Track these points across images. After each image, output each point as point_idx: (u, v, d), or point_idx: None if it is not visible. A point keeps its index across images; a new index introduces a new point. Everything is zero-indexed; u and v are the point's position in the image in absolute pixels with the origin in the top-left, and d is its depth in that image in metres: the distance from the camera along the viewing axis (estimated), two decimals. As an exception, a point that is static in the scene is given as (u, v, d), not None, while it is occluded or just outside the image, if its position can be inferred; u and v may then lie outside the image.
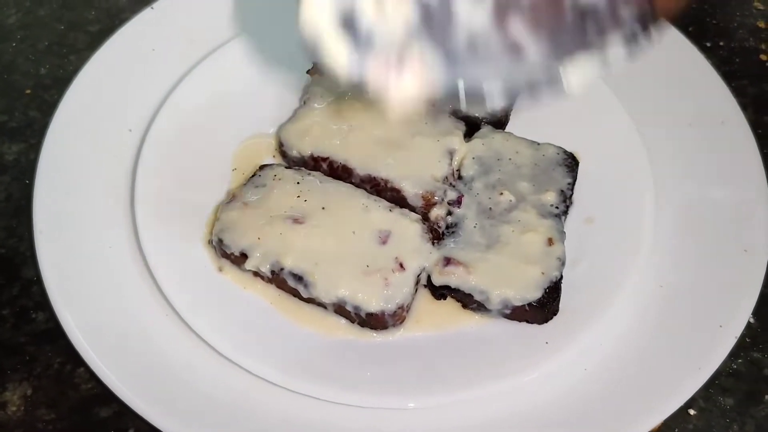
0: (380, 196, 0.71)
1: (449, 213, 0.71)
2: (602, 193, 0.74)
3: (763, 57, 0.93)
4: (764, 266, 0.69)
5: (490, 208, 0.70)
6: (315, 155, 0.73)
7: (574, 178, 0.74)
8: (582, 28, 0.46)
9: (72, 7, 0.93)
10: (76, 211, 0.72)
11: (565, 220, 0.71)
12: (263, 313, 0.68)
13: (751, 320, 0.70)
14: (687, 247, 0.72)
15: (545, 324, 0.67)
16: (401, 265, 0.66)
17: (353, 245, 0.67)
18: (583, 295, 0.67)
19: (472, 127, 0.76)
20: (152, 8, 0.85)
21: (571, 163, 0.74)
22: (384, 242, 0.67)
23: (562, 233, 0.69)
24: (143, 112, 0.78)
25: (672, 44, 0.85)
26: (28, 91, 0.86)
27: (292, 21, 0.84)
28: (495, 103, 0.47)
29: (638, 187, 0.74)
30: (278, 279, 0.67)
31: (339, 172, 0.73)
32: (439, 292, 0.68)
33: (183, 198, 0.72)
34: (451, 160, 0.73)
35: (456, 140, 0.74)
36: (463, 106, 0.50)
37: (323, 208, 0.69)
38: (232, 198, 0.70)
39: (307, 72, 0.80)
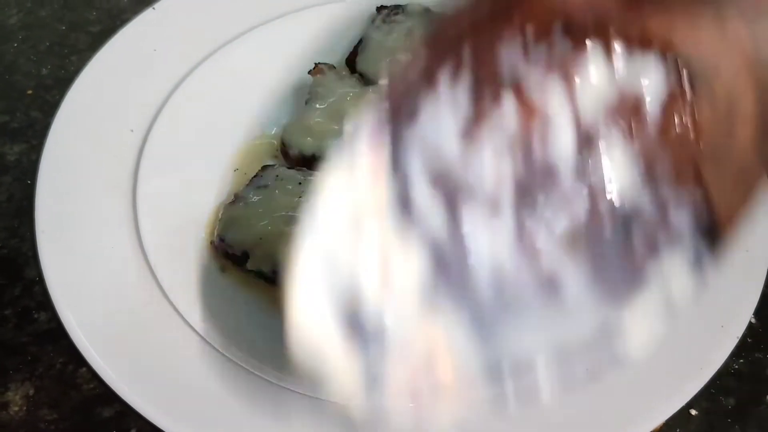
0: (382, 197, 0.71)
1: (451, 213, 0.71)
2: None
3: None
4: (766, 266, 0.69)
5: (493, 209, 0.70)
6: (317, 156, 0.73)
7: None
8: (628, 245, 0.36)
9: (73, 8, 0.93)
10: (78, 211, 0.72)
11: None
12: (265, 314, 0.67)
13: (753, 320, 0.70)
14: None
15: (547, 324, 0.67)
16: (403, 266, 0.66)
17: (355, 246, 0.67)
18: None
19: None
20: (154, 8, 0.85)
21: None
22: (386, 242, 0.67)
23: (564, 234, 0.69)
24: (145, 113, 0.78)
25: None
26: (30, 92, 0.86)
27: (294, 21, 0.85)
28: (545, 392, 0.37)
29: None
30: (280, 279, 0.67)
31: (341, 173, 0.73)
32: (442, 292, 0.68)
33: (185, 198, 0.72)
34: (454, 160, 0.73)
35: (458, 140, 0.74)
36: (509, 387, 0.39)
37: (325, 209, 0.69)
38: (234, 198, 0.71)
39: (309, 72, 0.80)
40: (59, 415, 0.64)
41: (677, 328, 0.67)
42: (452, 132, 0.37)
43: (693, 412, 0.67)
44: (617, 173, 0.37)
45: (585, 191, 0.36)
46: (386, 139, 0.39)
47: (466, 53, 0.37)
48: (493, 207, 0.36)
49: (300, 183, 0.71)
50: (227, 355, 0.64)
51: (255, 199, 0.69)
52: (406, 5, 0.84)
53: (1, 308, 0.70)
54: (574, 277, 0.36)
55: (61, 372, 0.66)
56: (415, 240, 0.37)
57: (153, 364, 0.64)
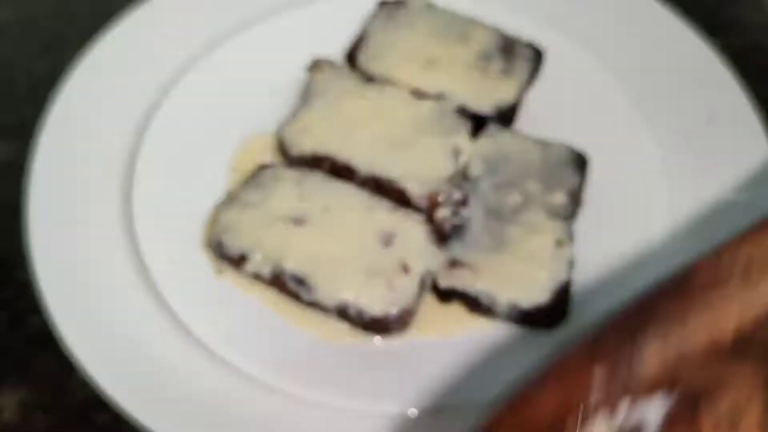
0: (384, 197, 0.70)
1: (455, 214, 0.70)
2: (613, 194, 0.73)
3: (775, 53, 0.91)
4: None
5: (498, 209, 0.69)
6: (316, 154, 0.72)
7: (584, 179, 0.72)
8: None
9: (66, 4, 0.92)
10: (71, 212, 0.71)
11: (574, 222, 0.70)
12: (263, 317, 0.67)
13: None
14: (699, 250, 0.71)
15: (554, 328, 0.66)
16: (405, 268, 0.65)
17: (356, 247, 0.66)
18: (593, 299, 0.66)
19: (478, 125, 0.75)
20: (148, 5, 0.84)
21: (580, 162, 0.73)
22: (388, 244, 0.66)
23: (572, 235, 0.68)
24: (140, 111, 0.77)
25: (683, 41, 0.84)
26: (22, 89, 0.85)
27: (293, 16, 0.84)
28: None
29: (649, 187, 0.73)
30: (279, 282, 0.66)
31: (341, 172, 0.72)
32: (445, 295, 0.67)
33: (181, 199, 0.71)
34: (457, 159, 0.72)
35: (462, 139, 0.73)
36: None
37: (325, 209, 0.68)
38: (231, 199, 0.70)
39: (308, 69, 0.78)
40: (52, 421, 0.64)
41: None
42: None
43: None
44: None
45: None
46: None
47: None
48: None
49: (299, 183, 0.70)
50: (224, 358, 0.63)
51: (252, 199, 0.69)
52: (407, 1, 0.83)
53: (-7, 311, 0.70)
54: None
55: (55, 376, 0.65)
56: None
57: (147, 369, 0.63)
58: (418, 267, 0.65)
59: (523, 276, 0.65)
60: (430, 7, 0.82)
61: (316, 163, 0.73)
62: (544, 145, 0.74)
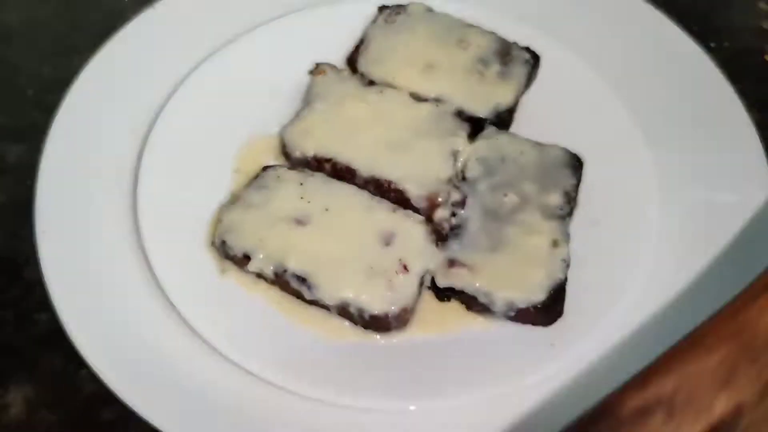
0: (384, 198, 0.71)
1: (453, 214, 0.71)
2: (607, 194, 0.74)
3: (767, 57, 0.92)
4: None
5: (495, 210, 0.70)
6: (318, 156, 0.73)
7: (579, 180, 0.73)
8: None
9: (74, 8, 0.93)
10: (78, 212, 0.72)
11: (569, 222, 0.71)
12: (266, 315, 0.67)
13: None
14: (692, 250, 0.72)
15: (550, 326, 0.66)
16: (405, 267, 0.66)
17: (357, 247, 0.66)
18: (588, 297, 0.67)
19: (476, 127, 0.76)
20: (154, 9, 0.85)
21: (575, 164, 0.74)
22: (388, 244, 0.67)
23: (567, 235, 0.69)
24: (145, 113, 0.78)
25: (676, 45, 0.85)
26: (30, 92, 0.86)
27: (295, 21, 0.85)
28: None
29: (643, 188, 0.74)
30: (281, 281, 0.67)
31: (342, 173, 0.73)
32: (443, 294, 0.68)
33: (185, 199, 0.72)
34: (455, 161, 0.73)
35: (460, 141, 0.74)
36: None
37: (326, 210, 0.69)
38: (234, 199, 0.70)
39: (310, 72, 0.80)
40: (59, 417, 0.64)
41: (682, 331, 0.67)
42: None
43: None
44: None
45: None
46: None
47: None
48: None
49: (301, 184, 0.70)
50: (227, 356, 0.64)
51: (256, 200, 0.69)
52: (407, 5, 0.84)
53: (1, 309, 0.70)
54: None
55: (62, 374, 0.66)
56: None
57: (153, 365, 0.64)
58: (418, 266, 0.66)
59: (519, 275, 0.65)
60: (430, 12, 0.83)
61: (318, 164, 0.74)
62: (540, 147, 0.75)
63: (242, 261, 0.67)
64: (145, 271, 0.69)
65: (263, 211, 0.68)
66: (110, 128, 0.77)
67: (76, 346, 0.64)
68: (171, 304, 0.66)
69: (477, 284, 0.65)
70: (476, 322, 0.68)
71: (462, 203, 0.71)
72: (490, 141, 0.74)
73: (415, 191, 0.71)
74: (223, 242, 0.67)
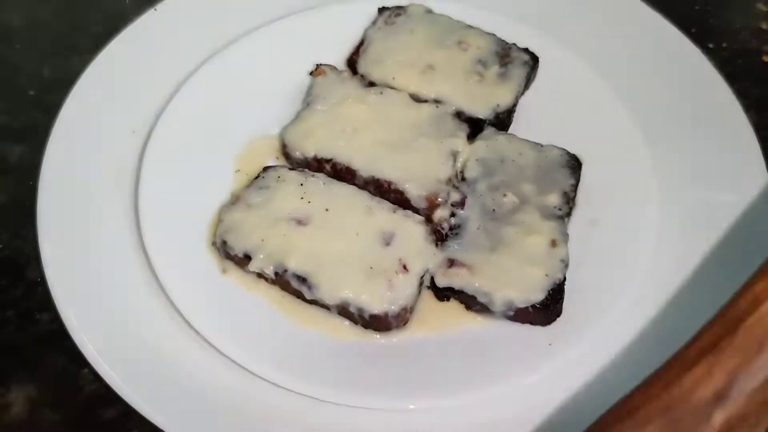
0: (384, 198, 0.72)
1: (453, 214, 0.71)
2: (606, 194, 0.74)
3: (765, 58, 0.93)
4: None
5: (494, 210, 0.71)
6: (318, 157, 0.74)
7: (578, 180, 0.74)
8: None
9: (75, 9, 0.93)
10: (80, 212, 0.72)
11: (568, 222, 0.72)
12: (267, 315, 0.68)
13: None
14: (690, 250, 0.72)
15: (549, 326, 0.67)
16: (405, 267, 0.66)
17: (357, 247, 0.67)
18: (586, 297, 0.67)
19: (475, 128, 0.77)
20: (155, 10, 0.85)
21: (574, 164, 0.74)
22: (387, 244, 0.67)
23: (566, 235, 0.69)
24: (146, 114, 0.78)
25: (675, 46, 0.86)
26: (32, 93, 0.86)
27: (296, 22, 0.85)
28: None
29: (641, 188, 0.74)
30: (282, 280, 0.67)
31: (342, 174, 0.73)
32: (443, 293, 0.68)
33: (186, 199, 0.73)
34: (455, 161, 0.74)
35: (459, 142, 0.74)
36: None
37: (327, 210, 0.69)
38: (235, 200, 0.71)
39: (310, 73, 0.80)
40: (61, 417, 0.65)
41: (680, 331, 0.68)
42: None
43: None
44: None
45: None
46: None
47: None
48: None
49: (301, 184, 0.71)
50: (228, 355, 0.64)
51: (256, 200, 0.70)
52: (407, 6, 0.84)
53: (3, 309, 0.71)
54: None
55: (63, 373, 0.67)
56: None
57: (155, 365, 0.64)
58: (417, 266, 0.66)
59: (518, 275, 0.66)
60: (429, 13, 0.84)
61: (318, 165, 0.74)
62: (539, 147, 0.75)
63: (243, 261, 0.67)
64: (146, 271, 0.69)
65: (264, 212, 0.69)
66: (112, 129, 0.77)
67: (77, 346, 0.64)
68: (172, 303, 0.66)
69: (476, 284, 0.66)
70: (475, 322, 0.68)
71: (461, 203, 0.71)
72: (490, 142, 0.75)
73: (414, 191, 0.71)
74: (224, 242, 0.68)
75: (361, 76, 0.80)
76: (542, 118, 0.79)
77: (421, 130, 0.74)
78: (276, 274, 0.66)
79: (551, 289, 0.65)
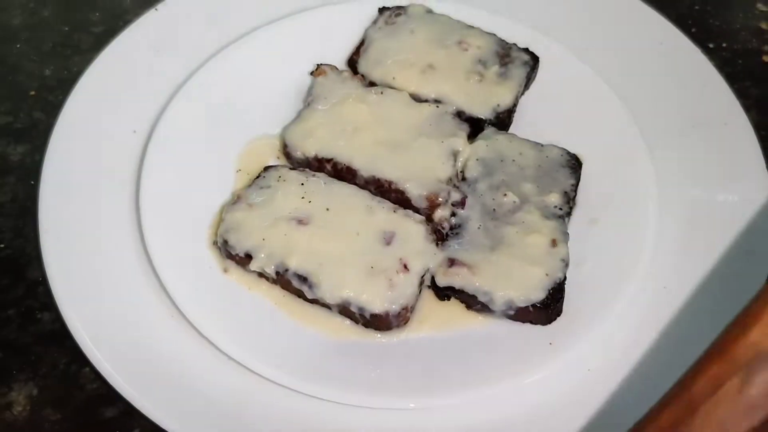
0: (384, 198, 0.72)
1: (453, 214, 0.71)
2: (606, 194, 0.74)
3: (766, 58, 0.93)
4: (767, 269, 0.70)
5: (494, 210, 0.71)
6: (319, 156, 0.74)
7: (578, 180, 0.74)
8: None
9: (76, 9, 0.93)
10: (81, 211, 0.72)
11: (568, 222, 0.72)
12: (268, 314, 0.68)
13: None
14: (690, 249, 0.73)
15: (549, 325, 0.67)
16: (405, 266, 0.66)
17: (357, 246, 0.67)
18: (586, 296, 0.68)
19: (475, 128, 0.77)
20: (156, 9, 0.86)
21: (574, 164, 0.75)
22: (388, 243, 0.67)
23: (566, 234, 0.69)
24: (148, 114, 0.78)
25: (675, 45, 0.86)
26: (33, 93, 0.86)
27: (296, 22, 0.85)
28: None
29: (641, 188, 0.74)
30: (283, 280, 0.67)
31: (343, 174, 0.73)
32: (443, 293, 0.69)
33: (188, 199, 0.73)
34: (455, 161, 0.74)
35: (460, 142, 0.74)
36: None
37: (328, 209, 0.69)
38: (236, 199, 0.71)
39: (311, 73, 0.80)
40: (63, 415, 0.65)
41: (680, 330, 0.68)
42: None
43: None
44: None
45: None
46: None
47: None
48: None
49: (302, 184, 0.71)
50: (229, 355, 0.64)
51: (257, 199, 0.70)
52: (407, 6, 0.84)
53: (5, 308, 0.71)
54: None
55: (65, 372, 0.67)
56: None
57: (156, 364, 0.64)
58: (418, 266, 0.66)
59: (519, 274, 0.66)
60: (430, 13, 0.84)
61: (319, 164, 0.74)
62: (539, 147, 0.75)
63: (244, 260, 0.68)
64: (148, 270, 0.69)
65: (265, 211, 0.69)
66: (113, 128, 0.78)
67: (79, 345, 0.65)
68: (173, 302, 0.66)
69: (477, 283, 0.66)
70: (476, 321, 0.68)
71: (462, 203, 0.71)
72: (490, 141, 0.75)
73: (415, 191, 0.71)
74: (225, 241, 0.68)
75: (362, 75, 0.80)
76: (542, 118, 0.79)
77: (422, 129, 0.75)
78: (277, 273, 0.67)
79: (551, 289, 0.65)
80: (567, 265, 0.67)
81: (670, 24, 0.87)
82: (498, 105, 0.77)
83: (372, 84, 0.79)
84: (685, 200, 0.75)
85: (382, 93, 0.77)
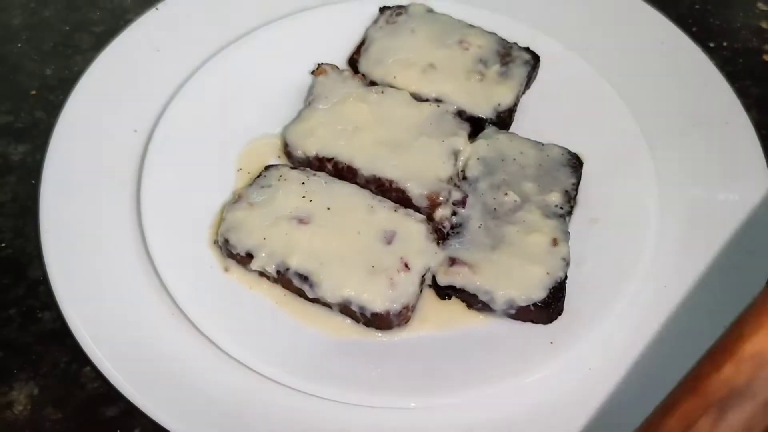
0: (385, 197, 0.72)
1: (454, 213, 0.71)
2: (607, 193, 0.74)
3: (766, 57, 0.93)
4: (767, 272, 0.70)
5: (495, 209, 0.71)
6: (320, 156, 0.74)
7: (579, 179, 0.74)
8: None
9: (77, 8, 0.93)
10: (82, 211, 0.72)
11: (569, 221, 0.72)
12: (269, 313, 0.68)
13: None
14: (691, 248, 0.73)
15: (550, 324, 0.67)
16: (406, 265, 0.66)
17: (358, 245, 0.67)
18: (587, 295, 0.68)
19: (476, 127, 0.77)
20: (157, 9, 0.86)
21: (575, 163, 0.75)
22: (389, 242, 0.67)
23: (567, 233, 0.69)
24: (148, 113, 0.78)
25: (675, 45, 0.86)
26: (34, 92, 0.86)
27: (297, 21, 0.86)
28: None
29: (642, 187, 0.74)
30: (284, 279, 0.67)
31: (344, 173, 0.73)
32: (444, 292, 0.69)
33: (189, 198, 0.73)
34: (456, 160, 0.74)
35: (460, 141, 0.74)
36: None
37: (328, 209, 0.69)
38: (237, 198, 0.71)
39: (312, 73, 0.80)
40: (63, 414, 0.65)
41: (681, 329, 0.68)
42: None
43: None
44: None
45: None
46: None
47: None
48: None
49: (303, 183, 0.71)
50: (230, 354, 0.64)
51: (258, 199, 0.70)
52: (408, 6, 0.84)
53: (6, 308, 0.71)
54: None
55: (66, 371, 0.67)
56: None
57: (157, 363, 0.65)
58: (419, 265, 0.67)
59: (520, 273, 0.66)
60: (430, 13, 0.84)
61: (320, 163, 0.74)
62: (540, 146, 0.75)
63: (245, 259, 0.68)
64: (148, 269, 0.69)
65: (266, 210, 0.69)
66: (114, 128, 0.78)
67: (79, 344, 0.65)
68: (174, 301, 0.67)
69: (477, 282, 0.66)
70: (477, 320, 0.68)
71: (462, 202, 0.72)
72: (491, 140, 0.75)
73: (416, 190, 0.71)
74: (226, 241, 0.68)
75: (363, 75, 0.80)
76: (543, 117, 0.79)
77: (422, 129, 0.75)
78: (278, 272, 0.67)
79: (552, 288, 0.65)
80: (568, 264, 0.67)
81: (670, 23, 0.87)
82: (499, 104, 0.77)
83: (373, 83, 0.79)
84: (685, 199, 0.76)
85: (382, 92, 0.77)
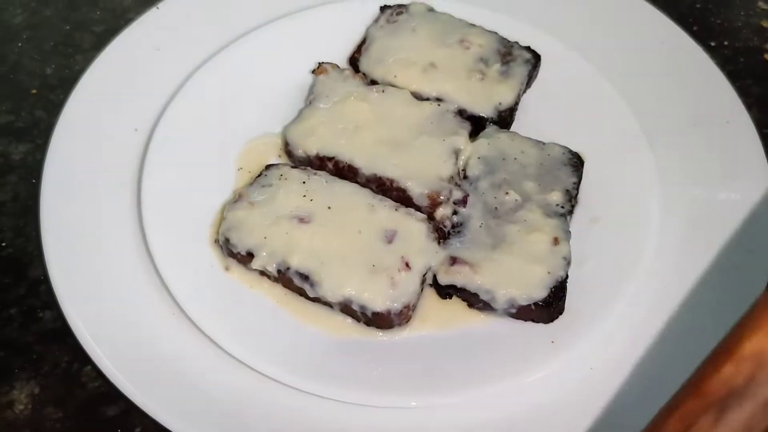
0: (386, 196, 0.72)
1: (455, 212, 0.71)
2: (608, 192, 0.74)
3: (767, 56, 0.93)
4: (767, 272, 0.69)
5: (496, 208, 0.71)
6: (321, 155, 0.74)
7: (580, 178, 0.74)
8: None
9: (77, 8, 0.93)
10: (83, 210, 0.72)
11: (570, 220, 0.72)
12: (270, 313, 0.68)
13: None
14: (692, 247, 0.73)
15: (551, 323, 0.67)
16: (407, 265, 0.66)
17: (359, 244, 0.67)
18: (588, 295, 0.68)
19: (477, 126, 0.77)
20: (157, 8, 0.86)
21: (576, 162, 0.75)
22: (390, 241, 0.67)
23: (568, 233, 0.69)
24: (149, 112, 0.78)
25: (676, 44, 0.86)
26: (34, 92, 0.86)
27: (298, 20, 0.86)
28: None
29: (643, 186, 0.74)
30: (284, 278, 0.67)
31: (345, 172, 0.73)
32: (445, 291, 0.69)
33: (189, 197, 0.73)
34: (457, 159, 0.74)
35: (461, 140, 0.74)
36: None
37: (329, 208, 0.69)
38: (238, 197, 0.71)
39: (312, 72, 0.80)
40: (64, 414, 0.65)
41: (682, 328, 0.68)
42: None
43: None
44: None
45: None
46: None
47: None
48: None
49: (304, 182, 0.71)
50: (231, 353, 0.64)
51: (259, 198, 0.70)
52: (409, 5, 0.84)
53: (7, 307, 0.71)
54: None
55: (66, 371, 0.67)
56: None
57: (158, 362, 0.65)
58: (419, 264, 0.66)
59: (520, 273, 0.66)
60: (431, 12, 0.84)
61: (321, 163, 0.74)
62: (541, 145, 0.75)
63: (245, 258, 0.68)
64: (149, 269, 0.69)
65: (266, 209, 0.69)
66: (114, 127, 0.78)
67: (80, 343, 0.65)
68: (175, 301, 0.67)
69: (478, 282, 0.66)
70: (477, 320, 0.68)
71: (463, 201, 0.71)
72: (492, 140, 0.75)
73: (416, 189, 0.71)
74: (227, 240, 0.68)
75: (363, 74, 0.80)
76: (544, 116, 0.79)
77: (423, 128, 0.75)
78: (279, 271, 0.67)
79: (553, 287, 0.65)
80: (569, 263, 0.67)
81: (671, 22, 0.87)
82: (500, 103, 0.77)
83: (373, 82, 0.79)
84: (686, 199, 0.75)
85: (383, 91, 0.77)
